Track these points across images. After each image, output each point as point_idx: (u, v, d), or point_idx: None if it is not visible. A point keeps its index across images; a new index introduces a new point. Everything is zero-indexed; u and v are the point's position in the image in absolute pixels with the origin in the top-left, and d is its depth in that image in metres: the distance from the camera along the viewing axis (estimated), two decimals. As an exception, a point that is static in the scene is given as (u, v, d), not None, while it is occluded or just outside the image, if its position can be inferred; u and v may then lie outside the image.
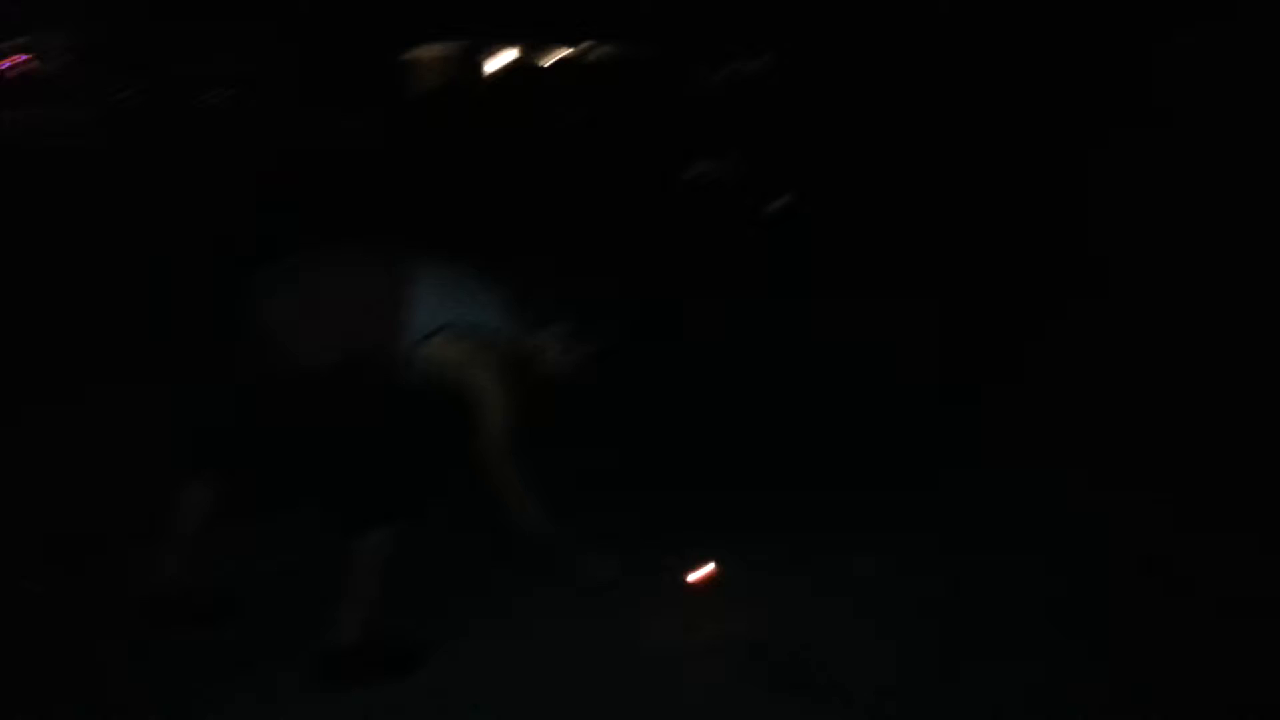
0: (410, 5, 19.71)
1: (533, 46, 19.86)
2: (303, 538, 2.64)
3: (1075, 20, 8.66)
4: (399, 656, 2.40)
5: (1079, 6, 8.81)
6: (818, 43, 11.90)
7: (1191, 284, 5.22)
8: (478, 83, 15.92)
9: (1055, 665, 2.37)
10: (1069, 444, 3.67)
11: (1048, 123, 7.83)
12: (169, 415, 3.09)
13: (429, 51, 20.85)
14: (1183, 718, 2.23)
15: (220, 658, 2.39)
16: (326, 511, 2.37)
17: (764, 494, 3.29)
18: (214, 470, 2.48)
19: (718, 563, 2.70)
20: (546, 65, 16.72)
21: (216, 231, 7.14)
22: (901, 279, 6.01)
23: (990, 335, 4.93)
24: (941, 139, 8.11)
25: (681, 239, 7.15)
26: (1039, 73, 8.34)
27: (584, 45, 18.53)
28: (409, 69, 20.60)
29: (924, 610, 2.61)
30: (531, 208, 7.60)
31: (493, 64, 19.81)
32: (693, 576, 2.68)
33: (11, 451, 3.43)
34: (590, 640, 2.49)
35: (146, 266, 6.28)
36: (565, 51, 18.57)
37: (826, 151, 8.34)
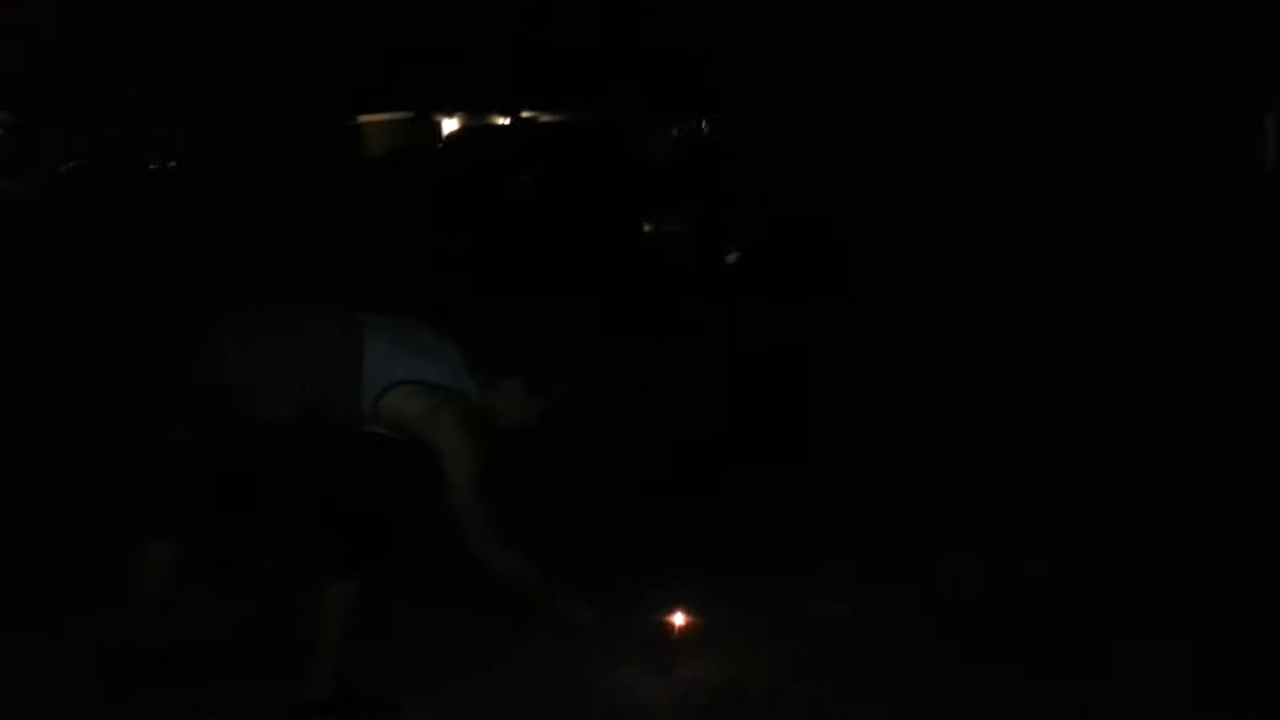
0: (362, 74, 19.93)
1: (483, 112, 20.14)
2: (270, 590, 2.57)
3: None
4: (371, 709, 2.30)
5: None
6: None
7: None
8: (431, 146, 16.04)
9: (1038, 698, 2.36)
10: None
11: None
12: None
13: (380, 117, 21.02)
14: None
15: (192, 712, 2.30)
16: (289, 564, 2.31)
17: (729, 535, 3.27)
18: (177, 526, 2.41)
19: (688, 605, 2.68)
20: (499, 128, 16.94)
21: (162, 288, 7.09)
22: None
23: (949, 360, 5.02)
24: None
25: (635, 290, 7.24)
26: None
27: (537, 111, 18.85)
28: (359, 133, 20.75)
29: (897, 648, 2.59)
30: (484, 263, 7.65)
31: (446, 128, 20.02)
32: (665, 618, 2.64)
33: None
34: (566, 686, 2.43)
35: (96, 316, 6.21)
36: (519, 116, 18.83)
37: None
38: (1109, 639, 2.55)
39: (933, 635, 2.62)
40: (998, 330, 5.74)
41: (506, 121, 18.77)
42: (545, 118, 18.07)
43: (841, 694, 2.38)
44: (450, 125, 20.43)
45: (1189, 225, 6.62)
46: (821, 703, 2.35)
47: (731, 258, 8.33)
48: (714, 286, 7.51)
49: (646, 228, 8.75)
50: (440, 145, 15.39)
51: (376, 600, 2.29)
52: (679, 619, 2.66)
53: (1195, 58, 8.34)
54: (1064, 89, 9.11)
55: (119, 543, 2.50)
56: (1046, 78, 9.22)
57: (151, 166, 21.65)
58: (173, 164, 21.30)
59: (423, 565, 2.88)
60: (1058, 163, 8.47)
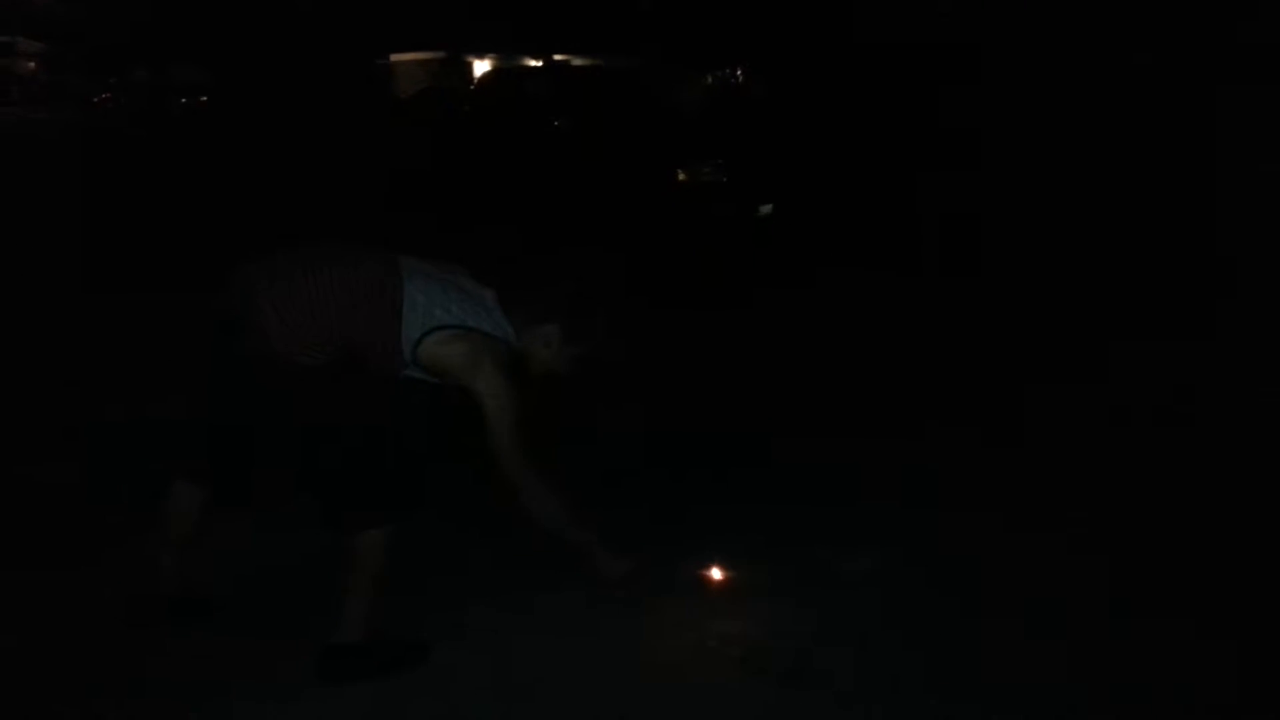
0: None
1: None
2: (301, 534, 2.55)
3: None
4: (401, 654, 2.31)
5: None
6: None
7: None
8: (463, 86, 15.87)
9: (1048, 659, 2.35)
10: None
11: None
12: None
13: (412, 56, 20.81)
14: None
15: (220, 655, 2.31)
16: (323, 510, 2.29)
17: (766, 498, 3.24)
18: (208, 467, 2.40)
19: (721, 561, 2.66)
20: (533, 70, 16.70)
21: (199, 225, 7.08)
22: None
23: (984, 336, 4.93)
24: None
25: (673, 239, 7.15)
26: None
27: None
28: (390, 72, 20.57)
29: (922, 608, 2.58)
30: (525, 209, 7.56)
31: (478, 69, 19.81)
32: (699, 574, 2.63)
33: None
34: (597, 636, 2.42)
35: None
36: (552, 59, 18.57)
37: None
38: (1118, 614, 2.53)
39: (953, 598, 2.60)
40: (1039, 296, 5.62)
41: (539, 64, 18.51)
42: (578, 61, 17.81)
43: (867, 648, 2.37)
44: (482, 66, 20.21)
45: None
46: (848, 656, 2.34)
47: (765, 209, 8.21)
48: (747, 238, 7.42)
49: (681, 176, 8.63)
50: (473, 86, 15.23)
51: (410, 545, 2.28)
52: (713, 574, 2.66)
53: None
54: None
55: (151, 482, 2.48)
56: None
57: (183, 100, 21.63)
58: (203, 99, 21.26)
59: (456, 511, 2.89)
60: (1104, 124, 8.23)
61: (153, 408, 3.39)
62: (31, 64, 28.79)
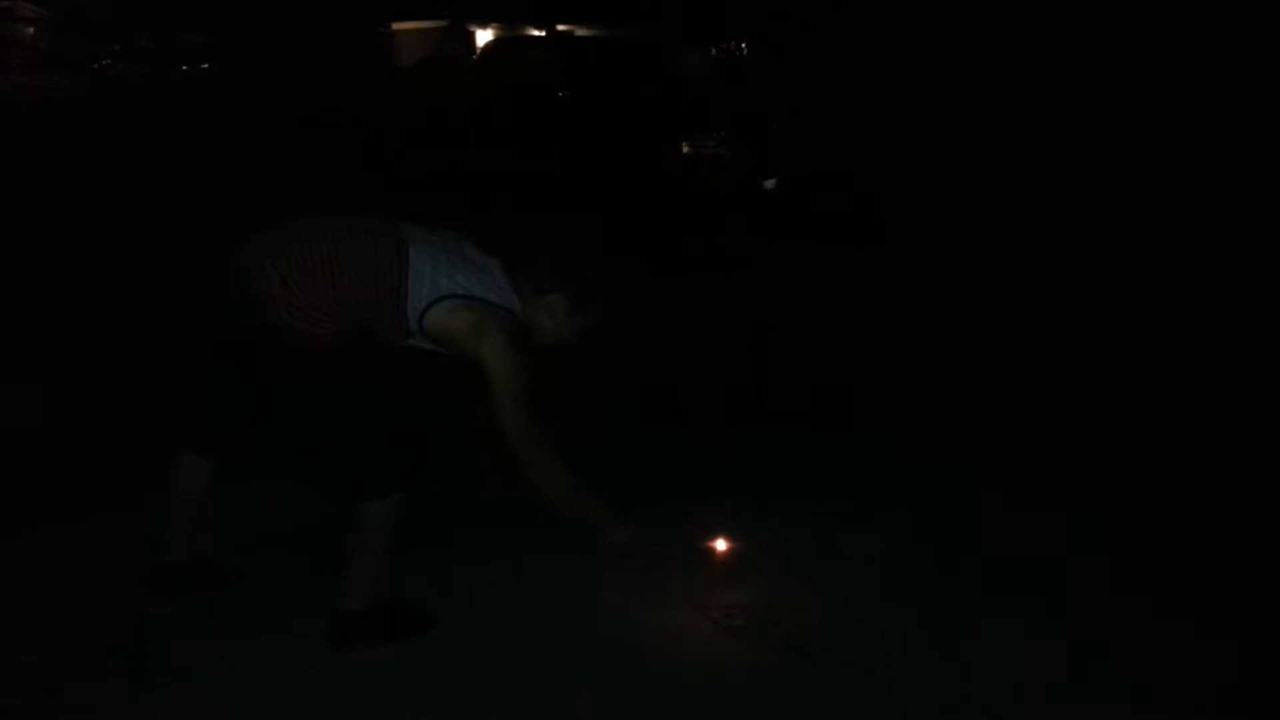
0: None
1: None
2: (307, 502, 2.57)
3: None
4: (407, 622, 2.33)
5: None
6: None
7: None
8: (466, 56, 15.75)
9: (1051, 636, 2.37)
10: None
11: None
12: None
13: (414, 24, 20.60)
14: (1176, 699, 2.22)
15: (227, 622, 2.33)
16: (329, 480, 2.29)
17: (774, 468, 3.25)
18: (215, 436, 2.41)
19: (724, 534, 2.68)
20: (536, 40, 16.56)
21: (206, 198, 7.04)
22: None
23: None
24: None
25: (673, 210, 7.12)
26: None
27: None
28: (392, 40, 20.39)
29: (925, 584, 2.60)
30: (527, 179, 7.53)
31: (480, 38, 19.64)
32: (703, 546, 2.65)
33: None
34: (599, 607, 2.44)
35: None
36: (555, 29, 18.41)
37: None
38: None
39: (956, 574, 2.62)
40: (1039, 281, 5.60)
41: (542, 34, 18.35)
42: (581, 32, 17.65)
43: (869, 622, 2.39)
44: (485, 36, 20.02)
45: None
46: (851, 631, 2.36)
47: (769, 184, 8.17)
48: (750, 213, 7.39)
49: (685, 149, 8.58)
50: (475, 56, 15.10)
51: (416, 514, 2.29)
52: (717, 545, 2.67)
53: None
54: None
55: (160, 448, 2.49)
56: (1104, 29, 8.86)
57: (184, 68, 21.42)
58: (205, 66, 21.05)
59: (462, 481, 2.90)
60: (1112, 114, 8.17)
61: (156, 381, 3.38)
62: (30, 29, 28.47)
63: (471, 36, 20.22)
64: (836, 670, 2.23)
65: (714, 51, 15.56)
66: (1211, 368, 4.00)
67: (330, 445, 2.26)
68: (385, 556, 2.27)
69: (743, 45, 16.28)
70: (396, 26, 20.88)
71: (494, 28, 20.46)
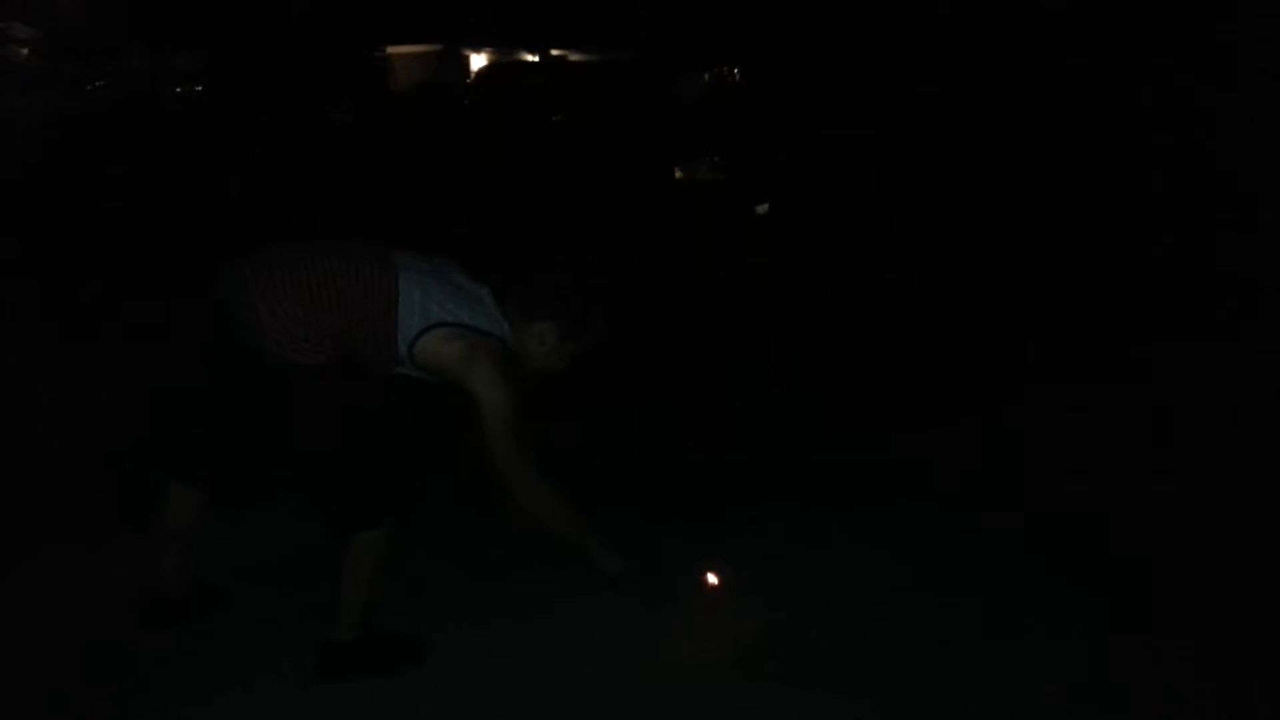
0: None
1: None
2: (298, 527, 2.55)
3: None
4: (401, 651, 2.31)
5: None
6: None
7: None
8: (460, 80, 15.83)
9: (1051, 665, 2.36)
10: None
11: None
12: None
13: (408, 48, 20.70)
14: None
15: (217, 650, 2.31)
16: (320, 511, 2.27)
17: (765, 498, 3.25)
18: (203, 466, 2.37)
19: (719, 562, 2.67)
20: (529, 65, 16.67)
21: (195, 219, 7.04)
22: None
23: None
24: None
25: (668, 233, 7.14)
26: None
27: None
28: (387, 64, 20.47)
29: (922, 611, 2.59)
30: (517, 205, 7.55)
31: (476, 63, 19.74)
32: (698, 575, 2.63)
33: None
34: (593, 636, 2.43)
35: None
36: (549, 53, 18.53)
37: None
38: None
39: (954, 600, 2.61)
40: (1037, 300, 5.62)
41: (535, 58, 18.47)
42: (574, 56, 17.76)
43: (864, 654, 2.38)
44: (479, 60, 20.12)
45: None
46: (846, 660, 2.35)
47: (762, 209, 8.20)
48: (743, 238, 7.41)
49: (678, 174, 8.62)
50: (469, 80, 15.18)
51: (408, 543, 2.28)
52: (710, 576, 2.66)
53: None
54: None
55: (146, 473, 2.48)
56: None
57: (178, 90, 21.47)
58: (199, 88, 21.11)
59: (453, 511, 2.89)
60: (1113, 127, 8.21)
61: (146, 410, 3.36)
62: (25, 50, 28.54)
63: (466, 61, 20.31)
64: (830, 699, 2.22)
65: (706, 76, 15.66)
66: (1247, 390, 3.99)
67: (319, 476, 2.23)
68: (377, 585, 2.25)
69: (735, 70, 16.40)
70: (391, 50, 20.97)
71: (488, 52, 20.56)
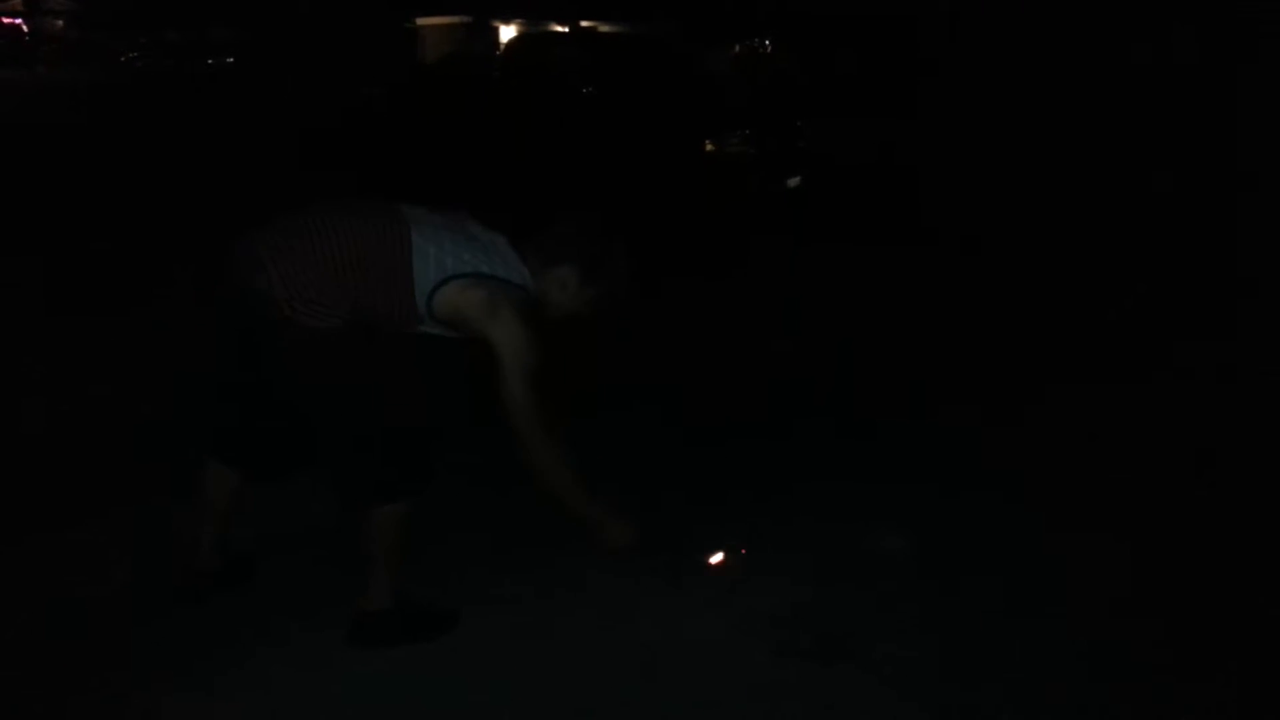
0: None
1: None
2: (326, 502, 2.55)
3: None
4: (430, 620, 2.30)
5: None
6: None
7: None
8: (490, 51, 15.76)
9: (1080, 647, 2.32)
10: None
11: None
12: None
13: (438, 20, 20.65)
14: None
15: (248, 622, 2.32)
16: (339, 486, 2.23)
17: (801, 475, 3.23)
18: (235, 443, 2.33)
19: (739, 536, 2.66)
20: (559, 36, 16.54)
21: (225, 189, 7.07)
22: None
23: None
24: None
25: (693, 200, 7.07)
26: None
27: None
28: (417, 36, 20.45)
29: (944, 581, 2.57)
30: (545, 175, 7.51)
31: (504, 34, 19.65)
32: (726, 549, 2.62)
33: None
34: (623, 609, 2.41)
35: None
36: (578, 24, 18.40)
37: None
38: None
39: (983, 579, 2.58)
40: (1064, 282, 5.53)
41: (565, 29, 18.35)
42: (604, 28, 17.64)
43: (891, 627, 2.36)
44: (508, 32, 20.04)
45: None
46: (872, 634, 2.33)
47: (793, 182, 8.12)
48: (774, 211, 7.34)
49: (709, 147, 8.54)
50: (499, 52, 15.11)
51: (444, 520, 2.26)
52: (740, 549, 2.64)
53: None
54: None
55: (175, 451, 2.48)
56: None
57: (209, 62, 21.59)
58: (230, 60, 21.23)
59: (479, 483, 2.89)
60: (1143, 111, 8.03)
61: (178, 386, 3.37)
62: (60, 22, 28.81)
63: (495, 32, 20.24)
64: (861, 676, 2.20)
65: (737, 48, 15.50)
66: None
67: (338, 449, 2.19)
68: (401, 556, 2.23)
69: (766, 42, 16.21)
70: (420, 22, 20.94)
71: (518, 23, 20.46)
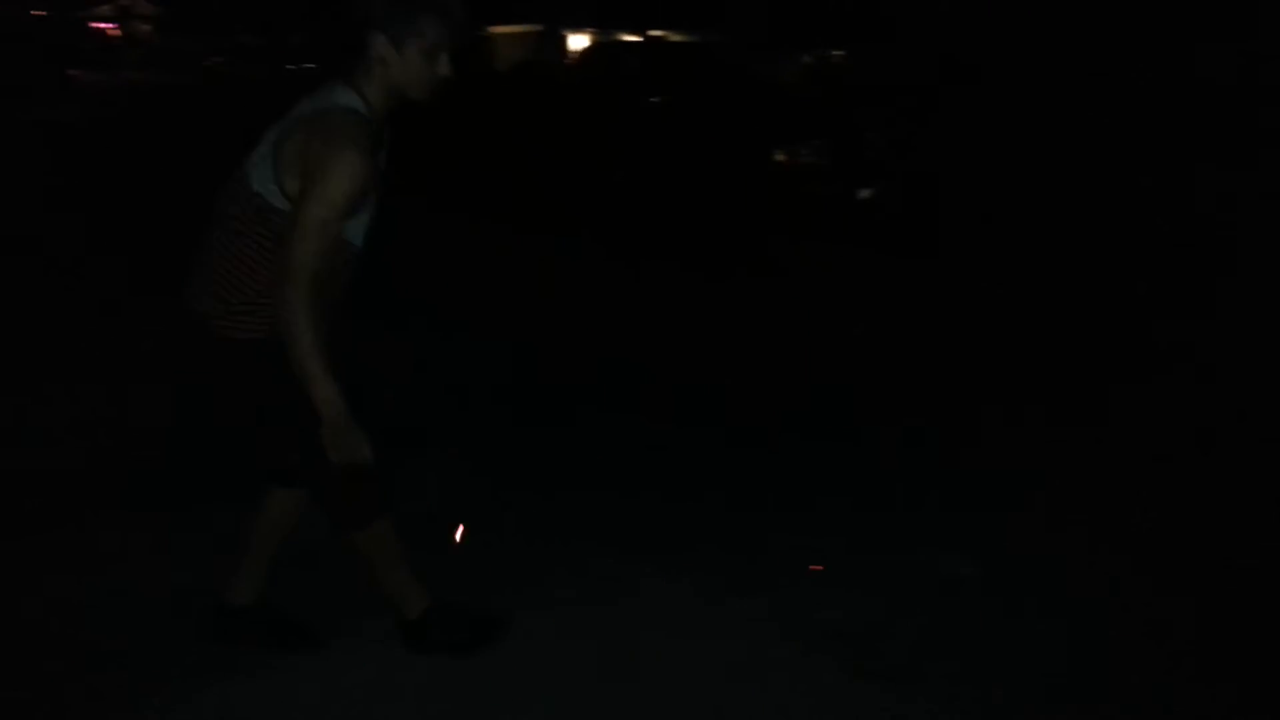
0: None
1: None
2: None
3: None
4: (477, 626, 2.24)
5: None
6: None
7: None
8: (559, 60, 15.86)
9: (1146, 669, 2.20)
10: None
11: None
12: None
13: (509, 28, 20.87)
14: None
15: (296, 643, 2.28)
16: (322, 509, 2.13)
17: (859, 489, 3.12)
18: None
19: (821, 558, 2.57)
20: (628, 45, 16.58)
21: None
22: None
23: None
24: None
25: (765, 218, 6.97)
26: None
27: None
28: (488, 44, 20.69)
29: (991, 595, 2.49)
30: (613, 184, 7.48)
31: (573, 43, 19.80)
32: (804, 570, 2.54)
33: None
34: (668, 618, 2.35)
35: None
36: (648, 34, 18.45)
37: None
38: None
39: (1050, 602, 2.48)
40: (1127, 298, 5.33)
41: (634, 39, 18.40)
42: (674, 37, 17.63)
43: (969, 653, 2.27)
44: (577, 40, 20.17)
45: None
46: (948, 660, 2.24)
47: (865, 194, 7.98)
48: (846, 223, 7.22)
49: (780, 157, 8.43)
50: (568, 60, 15.20)
51: (487, 525, 2.21)
52: (813, 570, 2.56)
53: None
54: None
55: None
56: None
57: (289, 67, 22.11)
58: (310, 65, 21.69)
59: (504, 489, 2.85)
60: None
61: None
62: (147, 26, 29.81)
63: (564, 41, 20.40)
64: (930, 700, 2.10)
65: (806, 59, 15.35)
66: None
67: (300, 474, 2.08)
68: (402, 566, 2.14)
69: (837, 52, 16.05)
70: (492, 30, 21.18)
71: (589, 33, 20.60)
